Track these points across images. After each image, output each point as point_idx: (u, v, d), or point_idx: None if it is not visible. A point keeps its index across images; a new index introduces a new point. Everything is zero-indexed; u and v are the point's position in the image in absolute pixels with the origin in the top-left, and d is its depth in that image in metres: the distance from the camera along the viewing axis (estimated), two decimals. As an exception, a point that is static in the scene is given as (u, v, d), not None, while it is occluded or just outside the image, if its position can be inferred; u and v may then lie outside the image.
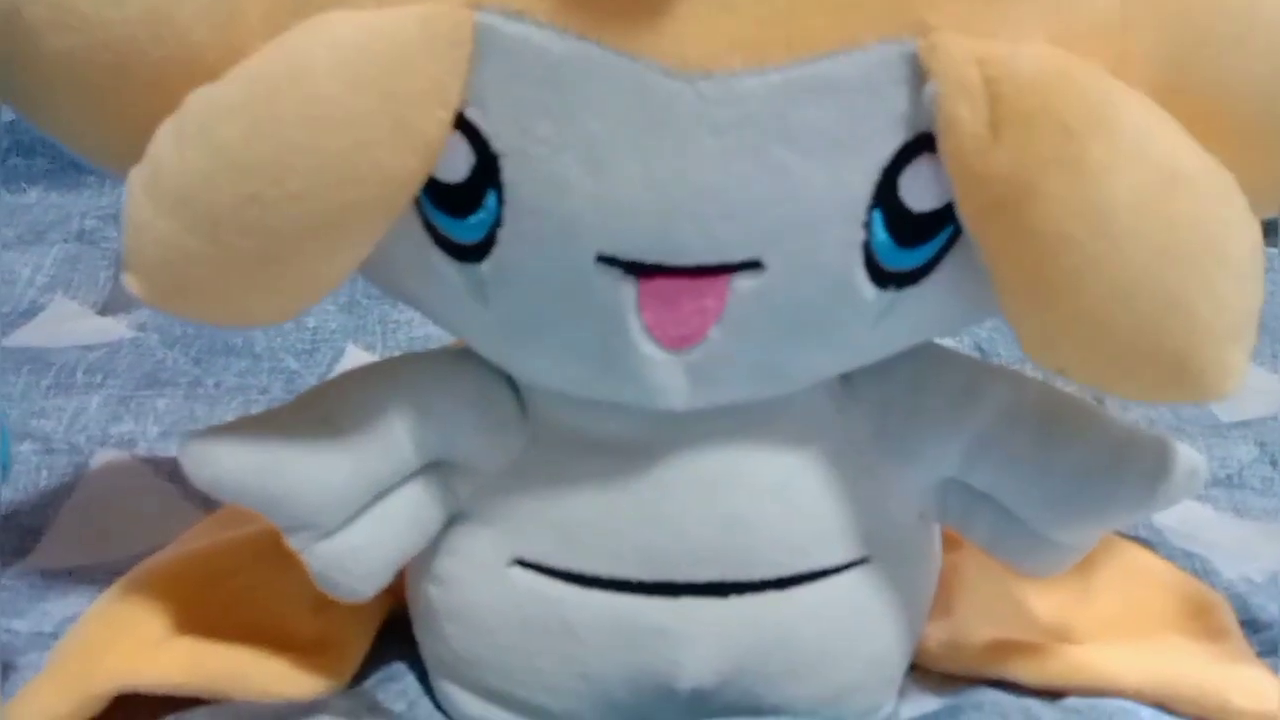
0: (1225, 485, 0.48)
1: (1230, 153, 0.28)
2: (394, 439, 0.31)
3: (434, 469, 0.33)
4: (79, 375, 0.54)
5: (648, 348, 0.28)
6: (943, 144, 0.26)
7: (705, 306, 0.28)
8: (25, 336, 0.58)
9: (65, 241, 0.65)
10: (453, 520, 0.33)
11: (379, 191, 0.27)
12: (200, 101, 0.27)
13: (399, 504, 0.32)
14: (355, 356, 0.57)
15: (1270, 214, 0.31)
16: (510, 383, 0.32)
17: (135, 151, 0.28)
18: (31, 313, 0.61)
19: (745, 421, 0.31)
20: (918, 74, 0.26)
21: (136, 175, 0.28)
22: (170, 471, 0.48)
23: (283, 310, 0.29)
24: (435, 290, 0.30)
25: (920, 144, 0.27)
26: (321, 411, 0.31)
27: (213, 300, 0.29)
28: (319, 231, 0.27)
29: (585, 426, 0.32)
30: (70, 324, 0.60)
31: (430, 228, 0.29)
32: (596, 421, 0.31)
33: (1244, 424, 0.51)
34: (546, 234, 0.27)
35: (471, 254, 0.28)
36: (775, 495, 0.32)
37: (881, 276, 0.28)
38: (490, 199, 0.27)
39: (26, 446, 0.49)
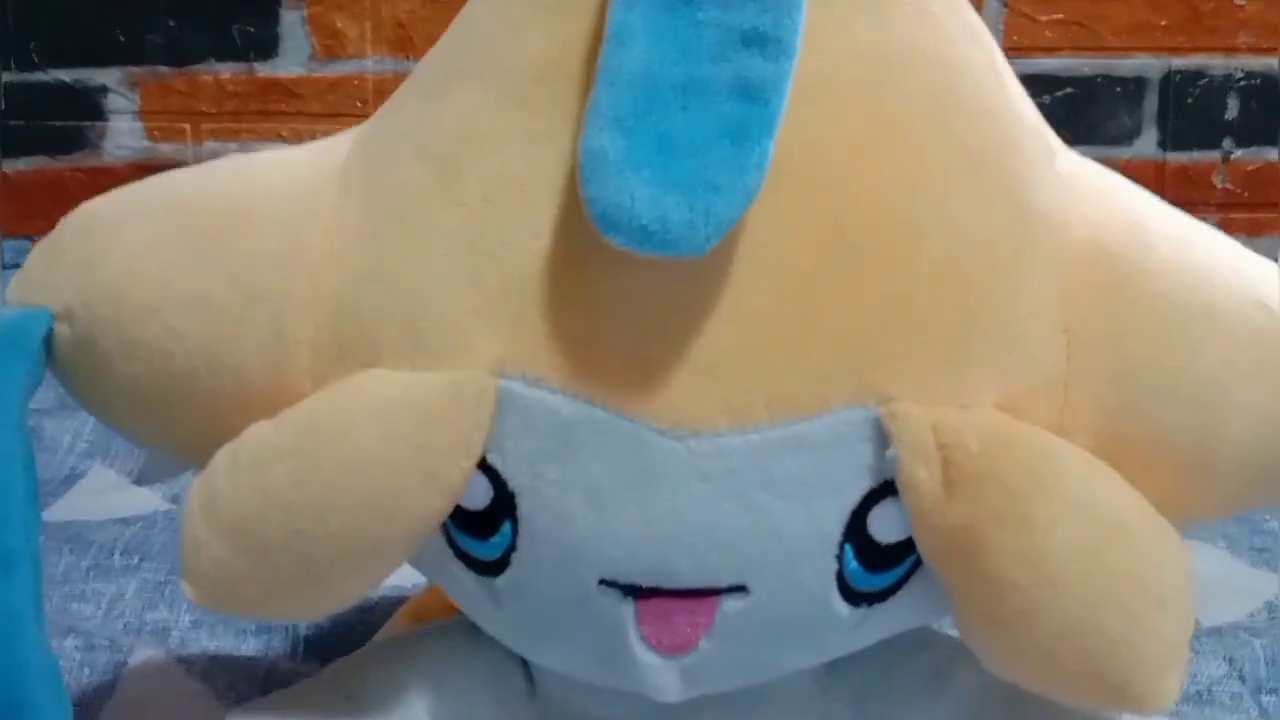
0: (1195, 701, 0.50)
1: (1165, 487, 0.31)
2: (412, 715, 0.34)
3: (450, 739, 0.36)
4: (116, 557, 0.57)
5: (645, 655, 0.31)
6: (903, 497, 0.29)
7: (697, 621, 0.31)
8: (66, 508, 0.61)
9: (104, 408, 0.69)
10: (468, 786, 0.36)
11: (409, 527, 0.30)
12: (255, 439, 0.31)
13: (417, 774, 0.35)
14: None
15: (1200, 522, 0.34)
16: (521, 663, 0.35)
17: (194, 456, 0.32)
18: (71, 480, 0.64)
19: (737, 705, 0.34)
20: (881, 433, 0.29)
21: (195, 498, 0.31)
22: (202, 671, 0.51)
23: (319, 611, 0.33)
24: (455, 589, 0.33)
25: (885, 488, 0.30)
26: (347, 690, 0.34)
27: (258, 605, 0.32)
28: (354, 559, 0.31)
29: (589, 707, 0.35)
30: (107, 495, 0.63)
31: (453, 543, 0.32)
32: (600, 704, 0.34)
33: (1215, 632, 0.53)
34: (555, 560, 0.30)
35: (488, 569, 0.31)
36: (765, 773, 0.35)
37: (854, 596, 0.31)
38: (506, 526, 0.31)
39: (69, 642, 0.52)
